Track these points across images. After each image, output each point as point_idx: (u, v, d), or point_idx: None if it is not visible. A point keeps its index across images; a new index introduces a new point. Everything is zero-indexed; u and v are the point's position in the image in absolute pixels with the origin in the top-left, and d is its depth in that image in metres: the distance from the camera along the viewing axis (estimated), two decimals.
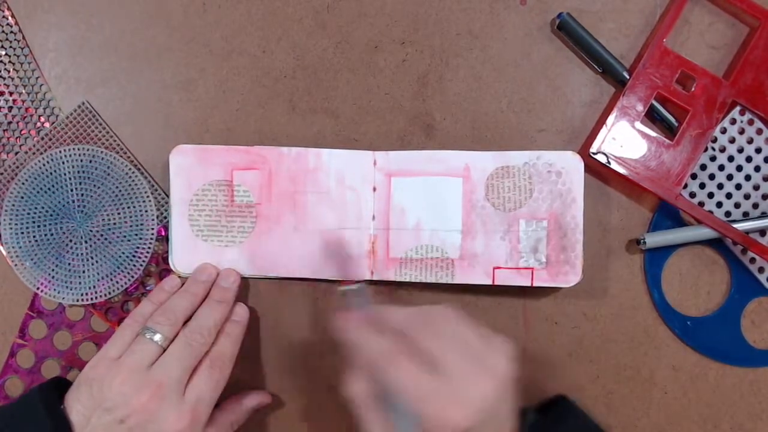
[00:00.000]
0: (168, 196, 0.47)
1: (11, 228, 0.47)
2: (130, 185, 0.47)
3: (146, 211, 0.47)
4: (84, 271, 0.47)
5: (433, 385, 0.35)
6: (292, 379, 0.48)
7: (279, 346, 0.48)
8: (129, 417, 0.38)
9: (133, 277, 0.47)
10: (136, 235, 0.47)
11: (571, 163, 0.45)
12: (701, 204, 0.47)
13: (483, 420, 0.35)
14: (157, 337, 0.41)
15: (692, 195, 0.47)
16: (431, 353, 0.36)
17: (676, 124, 0.46)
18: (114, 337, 0.42)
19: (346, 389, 0.39)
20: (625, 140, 0.46)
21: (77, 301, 0.47)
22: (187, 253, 0.46)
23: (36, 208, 0.47)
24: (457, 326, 0.38)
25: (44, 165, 0.47)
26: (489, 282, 0.45)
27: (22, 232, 0.47)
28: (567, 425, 0.42)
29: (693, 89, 0.46)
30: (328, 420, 0.48)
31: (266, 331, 0.48)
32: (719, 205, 0.47)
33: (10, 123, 0.48)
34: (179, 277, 0.47)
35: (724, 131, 0.47)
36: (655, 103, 0.46)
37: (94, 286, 0.47)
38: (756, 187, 0.47)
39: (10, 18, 0.48)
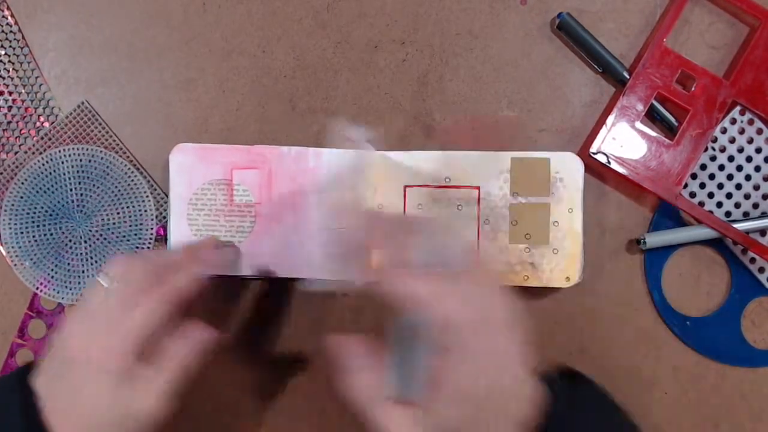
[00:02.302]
0: (167, 196, 0.47)
1: (11, 228, 0.47)
2: (129, 185, 0.47)
3: (145, 211, 0.47)
4: (83, 271, 0.47)
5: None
6: (292, 379, 0.48)
7: (279, 346, 0.48)
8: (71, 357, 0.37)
9: None
10: (135, 235, 0.47)
11: (571, 164, 0.45)
12: (701, 204, 0.47)
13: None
14: (105, 279, 0.39)
15: (692, 195, 0.47)
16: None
17: (676, 124, 0.46)
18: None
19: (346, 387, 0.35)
20: (625, 140, 0.46)
21: (77, 301, 0.47)
22: None
23: (35, 207, 0.47)
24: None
25: (43, 165, 0.47)
26: None
27: (22, 232, 0.47)
28: (593, 416, 0.37)
29: (693, 89, 0.46)
30: (329, 420, 0.48)
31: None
32: (719, 205, 0.47)
33: (10, 123, 0.48)
34: None
35: (724, 131, 0.47)
36: (655, 103, 0.46)
37: None
38: (756, 187, 0.47)
39: (10, 18, 0.48)
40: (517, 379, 0.33)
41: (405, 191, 0.46)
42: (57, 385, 0.37)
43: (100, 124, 0.48)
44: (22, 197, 0.47)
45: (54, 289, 0.47)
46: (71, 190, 0.47)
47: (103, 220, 0.47)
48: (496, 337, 0.33)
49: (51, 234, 0.47)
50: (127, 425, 0.37)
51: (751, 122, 0.46)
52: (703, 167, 0.47)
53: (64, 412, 0.37)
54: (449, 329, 0.31)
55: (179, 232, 0.46)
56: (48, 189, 0.47)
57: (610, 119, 0.46)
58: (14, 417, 0.37)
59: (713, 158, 0.47)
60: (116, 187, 0.47)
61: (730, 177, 0.47)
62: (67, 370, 0.37)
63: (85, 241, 0.47)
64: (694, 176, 0.47)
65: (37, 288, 0.47)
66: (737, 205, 0.47)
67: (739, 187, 0.47)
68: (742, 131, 0.47)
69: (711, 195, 0.47)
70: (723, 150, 0.47)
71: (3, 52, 0.48)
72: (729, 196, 0.47)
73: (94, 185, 0.47)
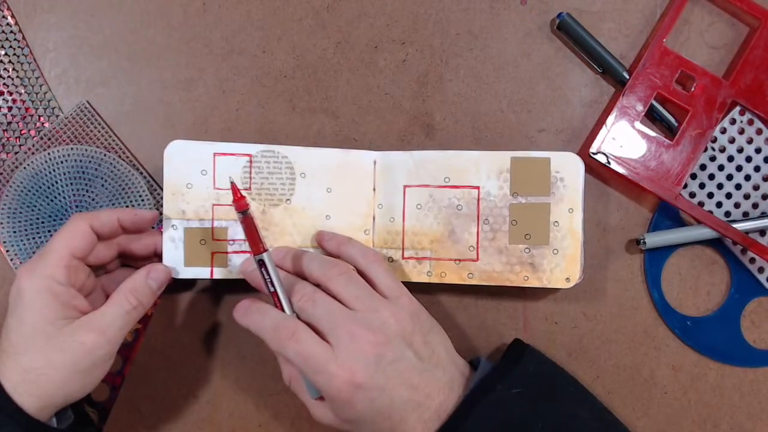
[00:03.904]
0: None
1: (10, 228, 0.47)
2: (128, 185, 0.47)
3: None
4: None
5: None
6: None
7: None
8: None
9: None
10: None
11: (571, 164, 0.45)
12: (701, 204, 0.47)
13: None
14: None
15: (692, 195, 0.47)
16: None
17: (676, 124, 0.46)
18: None
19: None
20: (625, 140, 0.46)
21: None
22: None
23: (34, 208, 0.47)
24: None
25: (40, 165, 0.47)
26: (489, 282, 0.45)
27: (21, 233, 0.47)
28: (523, 369, 0.41)
29: (693, 89, 0.46)
30: None
31: None
32: (719, 205, 0.47)
33: (10, 123, 0.48)
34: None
35: (723, 131, 0.47)
36: (655, 103, 0.46)
37: None
38: (756, 187, 0.47)
39: (10, 18, 0.48)
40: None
41: (405, 191, 0.46)
42: (4, 346, 0.39)
43: (99, 124, 0.48)
44: (20, 197, 0.47)
45: None
46: (69, 190, 0.47)
47: None
48: None
49: (50, 234, 0.47)
50: (75, 365, 0.38)
51: (750, 122, 0.46)
52: (703, 167, 0.47)
53: (13, 370, 0.38)
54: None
55: (172, 229, 0.46)
56: (46, 189, 0.47)
57: (610, 119, 0.46)
58: None
59: (713, 158, 0.47)
60: (115, 187, 0.47)
61: (729, 177, 0.47)
62: (6, 331, 0.39)
63: None
64: (693, 176, 0.47)
65: None
66: (737, 205, 0.47)
67: (738, 187, 0.47)
68: (741, 131, 0.47)
69: (710, 195, 0.47)
70: (722, 150, 0.47)
71: (3, 52, 0.48)
72: (728, 196, 0.47)
73: (92, 185, 0.47)
